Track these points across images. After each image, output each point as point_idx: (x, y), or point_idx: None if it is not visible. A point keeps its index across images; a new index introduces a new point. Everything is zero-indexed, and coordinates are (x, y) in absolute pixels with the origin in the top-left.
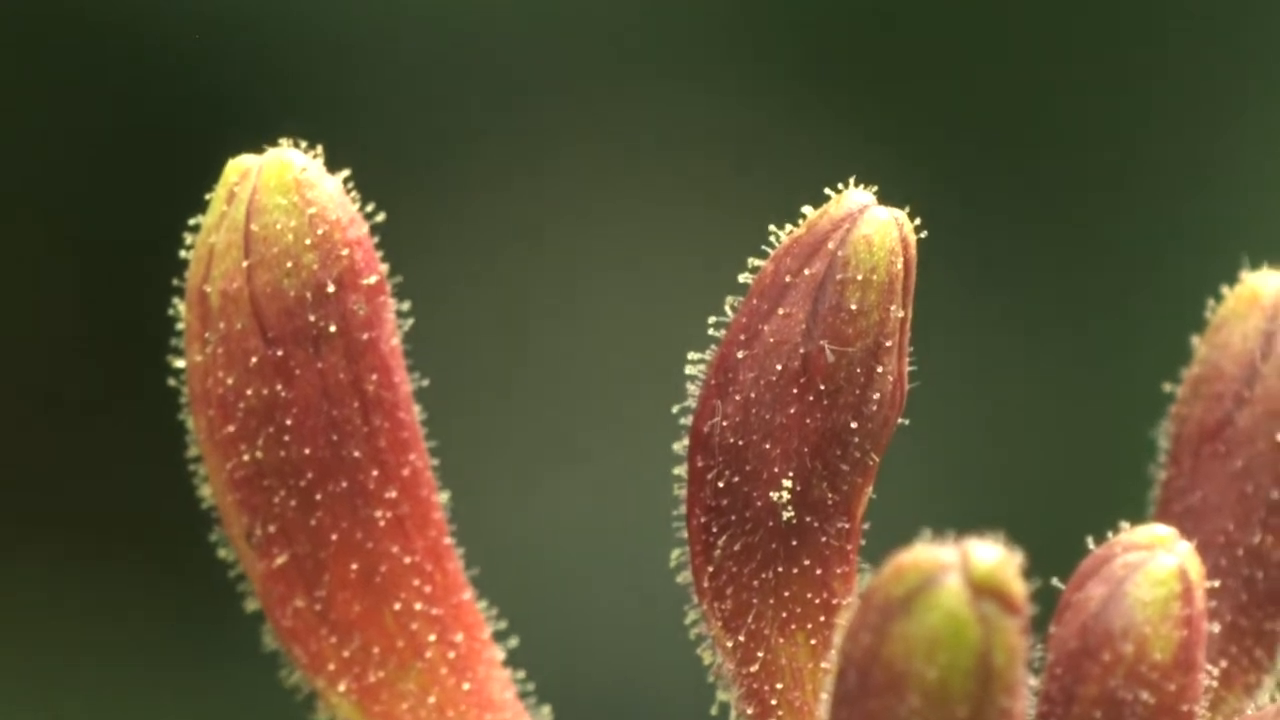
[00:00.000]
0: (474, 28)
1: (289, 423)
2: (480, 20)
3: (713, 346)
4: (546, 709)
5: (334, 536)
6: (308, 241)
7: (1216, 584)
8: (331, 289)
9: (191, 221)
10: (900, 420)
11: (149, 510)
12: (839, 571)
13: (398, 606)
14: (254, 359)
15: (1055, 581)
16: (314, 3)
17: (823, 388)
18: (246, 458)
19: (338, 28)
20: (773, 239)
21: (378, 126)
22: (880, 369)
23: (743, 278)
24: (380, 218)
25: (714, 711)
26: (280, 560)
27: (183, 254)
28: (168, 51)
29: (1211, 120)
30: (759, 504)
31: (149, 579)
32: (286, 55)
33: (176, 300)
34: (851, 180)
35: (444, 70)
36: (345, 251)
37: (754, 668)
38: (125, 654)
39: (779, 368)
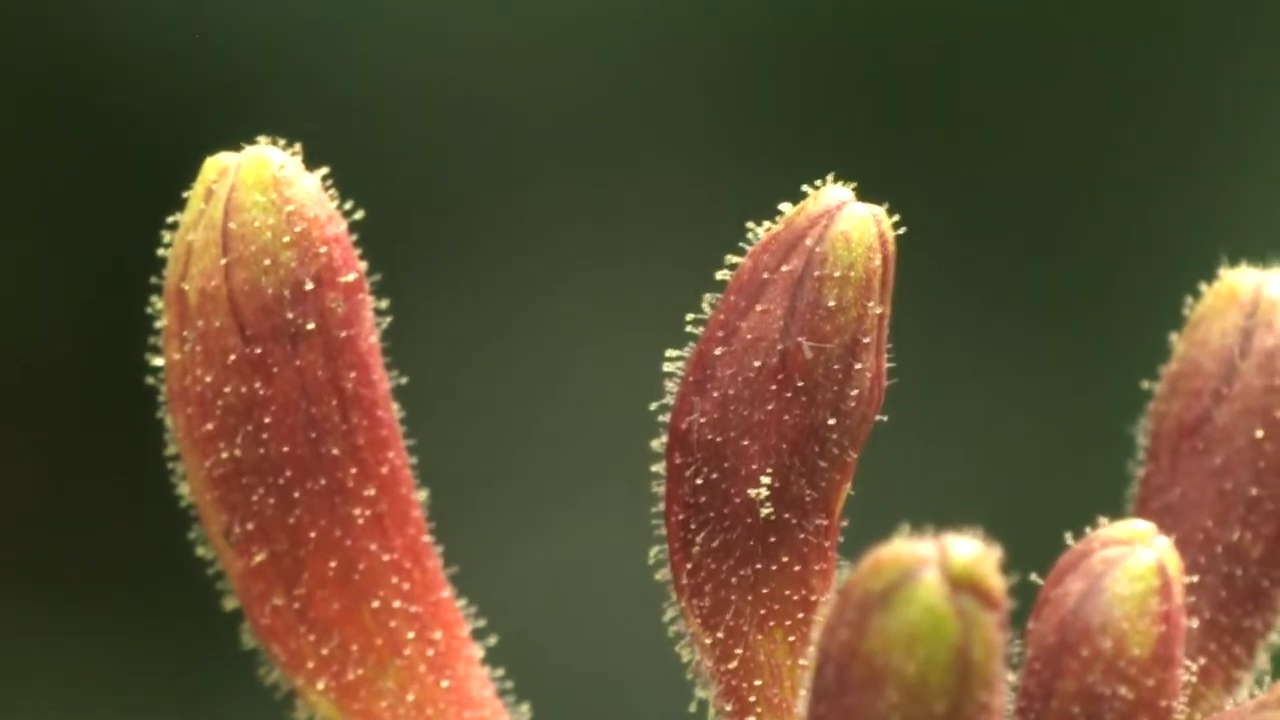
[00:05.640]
0: (466, 42)
1: (267, 420)
2: (474, 33)
3: (691, 343)
4: (525, 706)
5: (312, 534)
6: (286, 239)
7: (1195, 580)
8: (309, 286)
9: (170, 219)
10: (878, 417)
11: (124, 510)
12: (817, 568)
13: (376, 604)
14: (232, 356)
15: (1034, 577)
16: (305, 9)
17: (801, 384)
18: (225, 455)
19: (325, 31)
20: (751, 235)
21: (358, 125)
22: (858, 365)
23: (721, 274)
24: (359, 215)
25: (692, 709)
26: (259, 558)
27: (161, 252)
28: (156, 54)
29: (1189, 120)
30: (737, 501)
31: (125, 580)
32: (276, 59)
33: (155, 298)
34: (829, 178)
35: (425, 74)
36: (323, 249)
37: (732, 664)
38: (104, 651)
39: (757, 364)
